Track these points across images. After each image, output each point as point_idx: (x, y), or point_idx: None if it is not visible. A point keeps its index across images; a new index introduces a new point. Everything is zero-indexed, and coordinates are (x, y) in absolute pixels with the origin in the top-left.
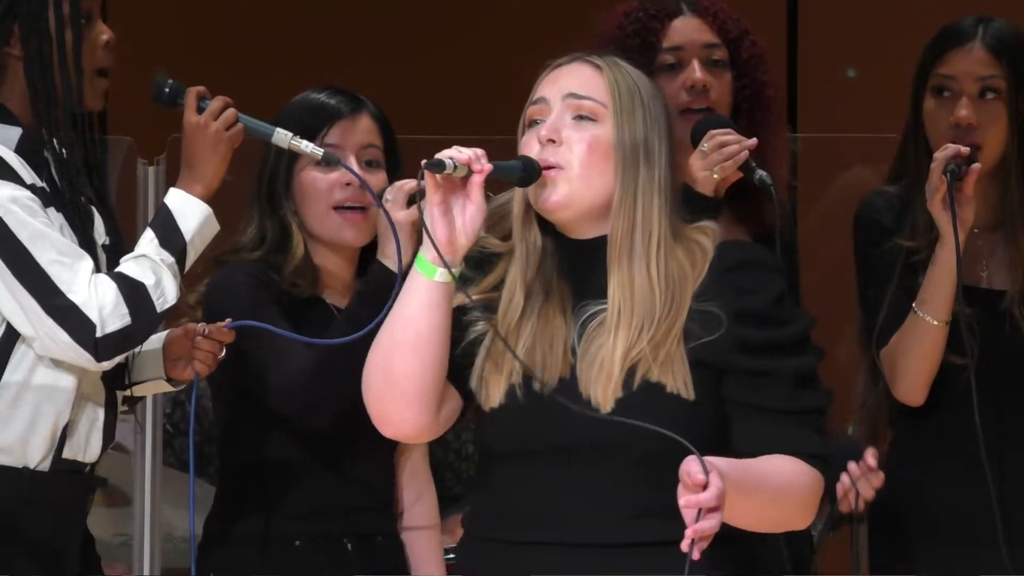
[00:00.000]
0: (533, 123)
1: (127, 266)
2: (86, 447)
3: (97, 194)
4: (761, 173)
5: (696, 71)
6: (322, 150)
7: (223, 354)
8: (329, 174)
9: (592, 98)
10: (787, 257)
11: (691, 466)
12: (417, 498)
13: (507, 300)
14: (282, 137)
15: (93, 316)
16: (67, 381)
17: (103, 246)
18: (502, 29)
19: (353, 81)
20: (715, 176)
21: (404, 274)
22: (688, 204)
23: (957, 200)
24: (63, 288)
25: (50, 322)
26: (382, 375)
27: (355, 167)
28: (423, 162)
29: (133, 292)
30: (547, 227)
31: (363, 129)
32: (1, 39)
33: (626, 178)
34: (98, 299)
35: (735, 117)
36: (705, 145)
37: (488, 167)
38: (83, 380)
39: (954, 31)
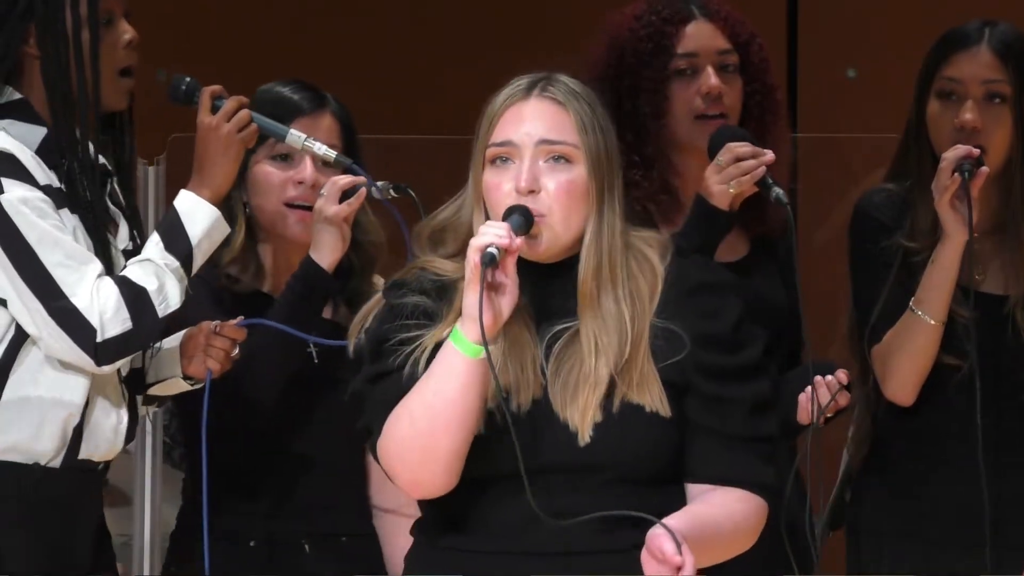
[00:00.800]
0: (499, 160)
1: (131, 270)
2: (101, 446)
3: (124, 197)
4: (778, 191)
5: (711, 78)
6: (334, 153)
7: (236, 351)
8: (285, 170)
9: (565, 142)
10: (788, 264)
11: (664, 544)
12: (385, 480)
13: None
14: (296, 138)
15: (94, 320)
16: (78, 381)
17: (124, 250)
18: (502, 29)
19: (354, 80)
20: (731, 191)
21: (332, 273)
22: (703, 218)
23: (962, 201)
24: (66, 291)
25: (53, 324)
26: (420, 453)
27: (309, 166)
28: (478, 250)
29: (135, 297)
30: None
31: (324, 128)
32: (19, 38)
33: (598, 210)
34: (100, 304)
35: (744, 121)
36: (721, 159)
37: (519, 242)
38: (98, 379)
39: (959, 34)
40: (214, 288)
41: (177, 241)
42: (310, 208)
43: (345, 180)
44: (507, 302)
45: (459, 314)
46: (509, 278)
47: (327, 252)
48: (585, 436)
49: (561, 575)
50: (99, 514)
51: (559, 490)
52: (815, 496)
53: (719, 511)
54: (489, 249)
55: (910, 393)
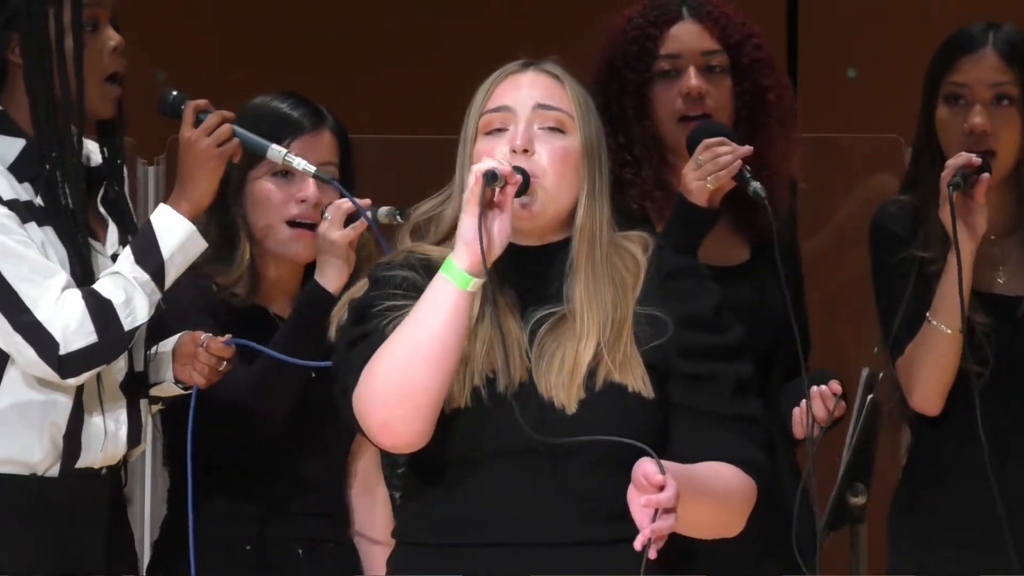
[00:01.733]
0: (496, 131)
1: (101, 283)
2: (99, 452)
3: (115, 203)
4: (755, 185)
5: (692, 78)
6: (314, 168)
7: (224, 367)
8: (286, 188)
9: (560, 109)
10: (788, 265)
11: (647, 467)
12: (370, 507)
13: None
14: (276, 153)
15: (56, 334)
16: (64, 391)
17: (114, 255)
18: (501, 29)
19: (355, 80)
20: (708, 186)
21: (332, 297)
22: (683, 216)
23: (969, 209)
24: (29, 305)
25: (18, 338)
26: (396, 386)
27: (312, 184)
28: (480, 171)
29: (100, 309)
30: None
31: (324, 146)
32: (2, 47)
33: (590, 187)
34: (63, 317)
35: (736, 123)
36: (699, 156)
37: (519, 178)
38: (88, 388)
39: (964, 38)
40: (212, 301)
41: (149, 255)
42: (311, 226)
43: (348, 204)
44: (500, 233)
45: None
46: (505, 212)
47: (333, 277)
48: (571, 410)
49: (547, 568)
50: (112, 518)
51: (542, 469)
52: (811, 504)
53: (707, 469)
54: (491, 169)
55: (936, 403)
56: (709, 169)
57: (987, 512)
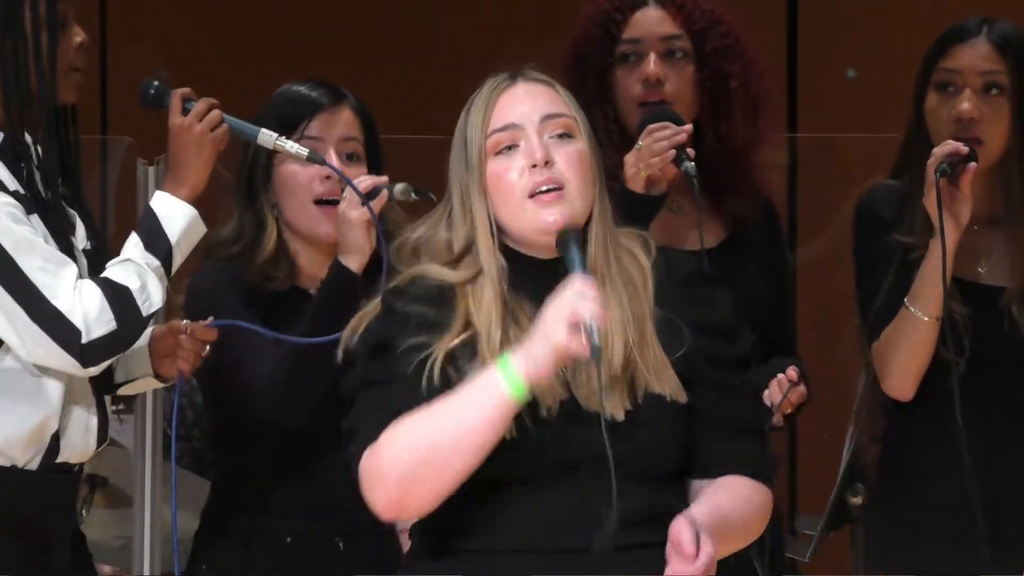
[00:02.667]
0: (506, 149)
1: (113, 271)
2: (77, 448)
3: (75, 196)
4: (688, 164)
5: (650, 64)
6: (307, 150)
7: (207, 352)
8: (309, 168)
9: (565, 114)
10: (769, 249)
11: (682, 535)
12: None
13: (486, 331)
14: (267, 138)
15: (78, 323)
16: (54, 386)
17: (84, 250)
18: (500, 29)
19: (356, 81)
20: (641, 173)
21: (354, 276)
22: (623, 204)
23: (954, 198)
24: (48, 295)
25: (36, 329)
26: (420, 466)
27: (335, 161)
28: (583, 331)
29: (118, 297)
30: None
31: (344, 122)
32: None
33: (600, 191)
34: (83, 305)
35: (699, 109)
36: (640, 142)
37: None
38: (72, 383)
39: (958, 28)
40: (246, 288)
41: (157, 241)
42: (337, 203)
43: (367, 183)
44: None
45: (465, 323)
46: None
47: (355, 255)
48: (620, 418)
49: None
50: (75, 515)
51: (588, 482)
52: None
53: (733, 502)
54: (595, 338)
55: (908, 389)
56: (644, 156)
57: (965, 502)
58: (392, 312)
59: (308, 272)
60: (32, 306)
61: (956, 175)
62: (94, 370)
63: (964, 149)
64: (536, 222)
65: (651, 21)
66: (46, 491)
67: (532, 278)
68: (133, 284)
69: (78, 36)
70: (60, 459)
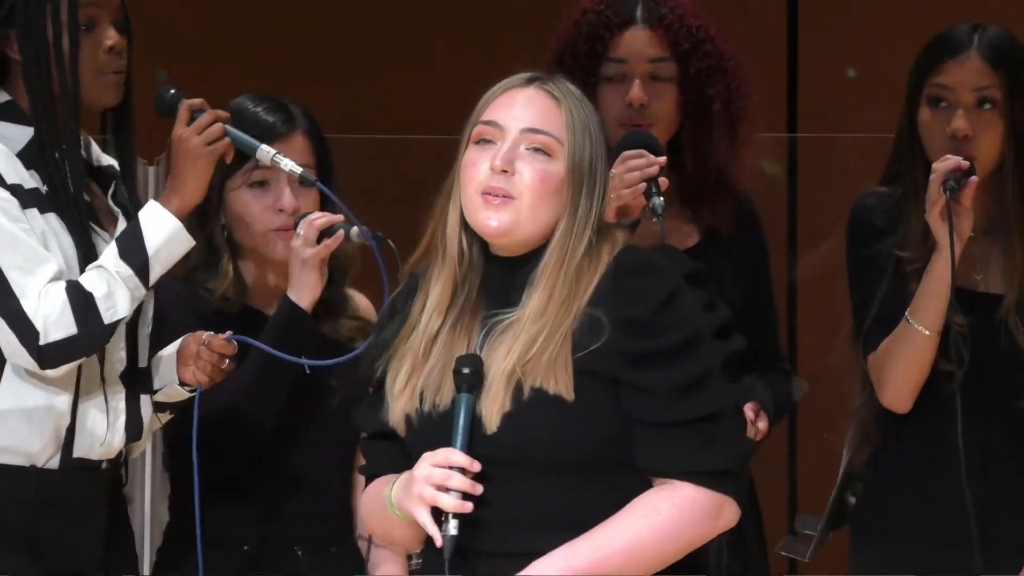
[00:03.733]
0: (483, 141)
1: (85, 276)
2: (96, 444)
3: (126, 199)
4: (655, 201)
5: (636, 88)
6: (300, 169)
7: (227, 365)
8: (263, 197)
9: (549, 133)
10: (747, 256)
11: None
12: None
13: (424, 321)
14: (265, 153)
15: (38, 324)
16: (64, 381)
17: None
18: (502, 31)
19: (354, 80)
20: (612, 203)
21: (304, 314)
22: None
23: (955, 212)
24: (17, 293)
25: (3, 323)
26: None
27: (288, 194)
28: (428, 511)
29: (81, 302)
30: (475, 240)
31: (297, 150)
32: (2, 43)
33: (572, 211)
34: (44, 308)
35: (680, 130)
36: (614, 169)
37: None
38: (87, 378)
39: (949, 40)
40: (201, 308)
41: (133, 250)
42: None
43: (321, 220)
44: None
45: (422, 308)
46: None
47: (306, 292)
48: (492, 427)
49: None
50: (112, 514)
51: (488, 485)
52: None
53: (624, 525)
54: (449, 529)
55: (906, 401)
56: (616, 185)
57: (961, 509)
58: (393, 312)
59: (263, 293)
60: (2, 301)
61: (958, 191)
62: (52, 372)
63: (965, 164)
64: (476, 219)
65: (639, 42)
66: (71, 489)
67: (491, 273)
68: (99, 291)
69: (109, 39)
70: (80, 453)
